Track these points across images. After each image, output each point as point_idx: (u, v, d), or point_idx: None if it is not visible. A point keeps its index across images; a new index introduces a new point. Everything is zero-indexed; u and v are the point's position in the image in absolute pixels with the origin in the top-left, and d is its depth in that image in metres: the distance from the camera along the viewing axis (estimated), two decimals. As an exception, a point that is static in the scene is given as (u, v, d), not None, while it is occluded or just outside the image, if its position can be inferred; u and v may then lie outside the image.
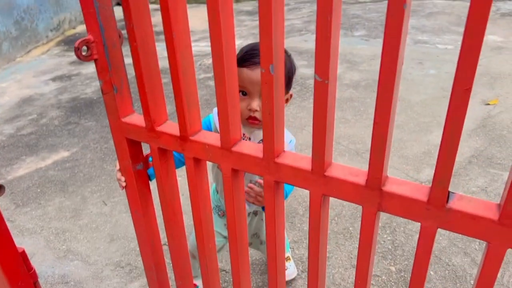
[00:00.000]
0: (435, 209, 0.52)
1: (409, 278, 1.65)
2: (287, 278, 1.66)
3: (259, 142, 1.12)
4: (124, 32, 0.75)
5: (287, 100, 1.11)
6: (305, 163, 0.63)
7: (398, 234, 1.89)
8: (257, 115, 1.05)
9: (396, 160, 2.42)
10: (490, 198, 2.07)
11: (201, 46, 4.51)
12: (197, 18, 4.29)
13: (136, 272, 1.76)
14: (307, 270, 1.72)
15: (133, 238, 1.91)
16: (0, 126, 3.10)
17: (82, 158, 2.62)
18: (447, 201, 0.51)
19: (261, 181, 1.03)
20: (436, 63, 3.81)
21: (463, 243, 1.81)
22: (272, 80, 0.58)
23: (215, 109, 1.14)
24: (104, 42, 0.74)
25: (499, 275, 1.51)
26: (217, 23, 0.59)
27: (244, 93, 1.04)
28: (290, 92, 1.14)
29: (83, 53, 0.75)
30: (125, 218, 2.07)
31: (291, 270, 1.65)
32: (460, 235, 1.53)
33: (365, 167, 2.17)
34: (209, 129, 1.15)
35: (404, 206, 0.55)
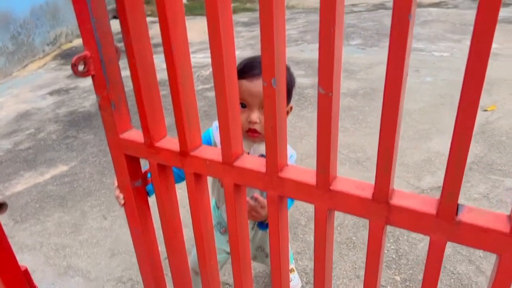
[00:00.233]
0: (444, 222, 0.51)
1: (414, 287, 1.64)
2: (291, 290, 1.64)
3: (259, 156, 1.11)
4: (121, 44, 0.74)
5: (287, 113, 1.11)
6: (310, 177, 0.62)
7: (401, 243, 1.88)
8: (257, 127, 1.04)
9: (397, 168, 2.41)
10: (492, 204, 2.07)
11: (198, 58, 4.53)
12: (194, 30, 4.31)
13: (138, 287, 1.74)
14: (311, 281, 1.70)
15: (134, 253, 1.89)
16: (-2, 142, 3.09)
17: (81, 172, 2.60)
18: (456, 214, 0.51)
19: (257, 195, 1.02)
20: (433, 71, 3.83)
21: (467, 250, 1.80)
22: (275, 94, 0.58)
23: (215, 123, 1.13)
24: (101, 58, 0.73)
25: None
26: (217, 34, 0.59)
27: (243, 105, 1.03)
28: (290, 104, 1.14)
29: (80, 69, 0.74)
30: (125, 232, 2.05)
31: (295, 282, 1.64)
32: (464, 243, 1.52)
33: (366, 176, 2.16)
34: (209, 143, 1.14)
35: (413, 220, 0.54)
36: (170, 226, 0.86)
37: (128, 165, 0.83)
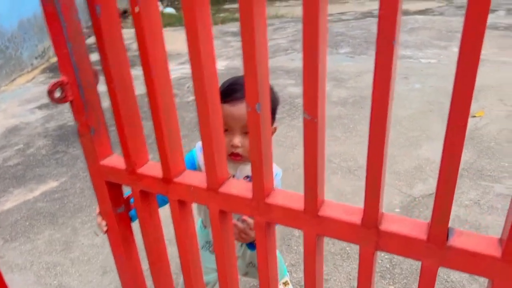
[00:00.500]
0: (435, 247, 0.51)
1: (408, 298, 1.64)
2: (287, 303, 1.63)
3: (245, 178, 1.11)
4: (101, 59, 0.72)
5: (272, 133, 1.10)
6: (297, 202, 0.61)
7: (394, 252, 1.88)
8: (240, 151, 1.03)
9: (388, 176, 2.43)
10: (484, 210, 2.08)
11: (187, 69, 4.52)
12: (183, 41, 4.29)
13: (130, 305, 1.71)
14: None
15: (126, 270, 1.86)
16: (-14, 158, 3.05)
17: (71, 187, 2.57)
18: (447, 238, 0.51)
19: (246, 217, 1.01)
20: (421, 78, 3.88)
21: (459, 259, 1.81)
22: (259, 119, 0.57)
23: (198, 144, 1.13)
24: (78, 83, 0.71)
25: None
26: (199, 65, 0.58)
27: (225, 129, 1.03)
28: (275, 125, 1.13)
29: (57, 96, 0.71)
30: (117, 248, 2.03)
31: (290, 295, 1.63)
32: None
33: (358, 185, 2.16)
34: (193, 165, 1.12)
35: (403, 245, 0.54)
36: (155, 253, 0.83)
37: (109, 191, 0.81)
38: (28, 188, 2.61)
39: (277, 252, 0.97)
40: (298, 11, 7.67)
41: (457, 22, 5.82)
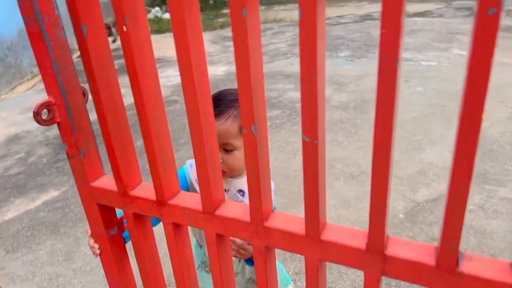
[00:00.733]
0: (445, 273, 0.49)
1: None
2: (291, 313, 1.61)
3: (238, 192, 1.09)
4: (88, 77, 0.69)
5: None
6: (298, 226, 0.58)
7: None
8: (223, 167, 1.02)
9: (392, 181, 2.42)
10: (488, 215, 2.07)
11: (188, 74, 4.52)
12: (183, 47, 4.26)
13: (134, 316, 1.70)
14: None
15: (129, 280, 1.85)
16: (-14, 167, 3.04)
17: (72, 196, 2.56)
18: (457, 264, 0.49)
19: None
20: (422, 81, 3.87)
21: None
22: (256, 141, 0.55)
23: (188, 162, 1.11)
24: (66, 104, 0.67)
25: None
26: (191, 87, 0.56)
27: None
28: None
29: (44, 118, 0.67)
30: (120, 258, 2.02)
31: (294, 305, 1.61)
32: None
33: (361, 191, 2.14)
34: (185, 183, 1.10)
35: (410, 271, 0.51)
36: (151, 277, 0.80)
37: (101, 214, 0.77)
38: (30, 198, 2.60)
39: (278, 262, 0.95)
40: (297, 15, 7.68)
41: (457, 23, 5.82)
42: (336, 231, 0.58)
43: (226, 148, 1.01)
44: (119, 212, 0.83)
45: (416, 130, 2.97)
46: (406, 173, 2.48)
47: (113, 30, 5.82)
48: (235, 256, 1.01)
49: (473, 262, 0.49)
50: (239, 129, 0.98)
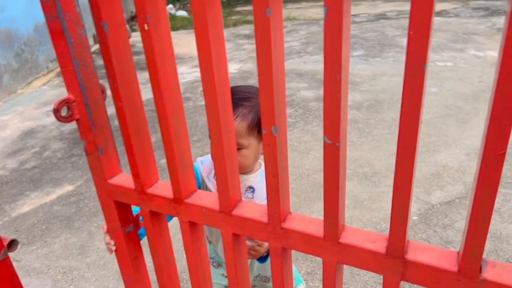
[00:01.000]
0: (467, 280, 0.48)
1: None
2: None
3: (247, 189, 1.09)
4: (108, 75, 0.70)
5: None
6: (316, 228, 0.58)
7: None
8: None
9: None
10: (504, 219, 2.04)
11: (201, 72, 4.54)
12: (197, 45, 4.27)
13: (146, 312, 1.71)
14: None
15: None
16: (3, 161, 3.09)
17: (86, 191, 2.59)
18: (480, 270, 0.48)
19: None
20: (437, 81, 3.82)
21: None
22: (275, 142, 0.55)
23: (198, 159, 1.12)
24: (85, 101, 0.68)
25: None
26: (212, 85, 0.56)
27: None
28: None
29: (63, 114, 0.68)
30: (132, 254, 2.03)
31: (306, 304, 1.60)
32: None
33: (374, 191, 2.12)
34: (197, 180, 1.12)
35: (431, 277, 0.50)
36: (166, 274, 0.80)
37: (118, 210, 0.78)
38: (45, 192, 2.64)
39: None
40: (310, 13, 7.64)
41: (473, 24, 5.73)
42: (355, 234, 0.57)
43: (237, 147, 1.01)
44: (134, 209, 0.84)
45: (431, 131, 2.94)
46: (420, 175, 2.45)
47: (127, 26, 5.86)
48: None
49: (496, 269, 0.48)
50: (247, 128, 0.98)
